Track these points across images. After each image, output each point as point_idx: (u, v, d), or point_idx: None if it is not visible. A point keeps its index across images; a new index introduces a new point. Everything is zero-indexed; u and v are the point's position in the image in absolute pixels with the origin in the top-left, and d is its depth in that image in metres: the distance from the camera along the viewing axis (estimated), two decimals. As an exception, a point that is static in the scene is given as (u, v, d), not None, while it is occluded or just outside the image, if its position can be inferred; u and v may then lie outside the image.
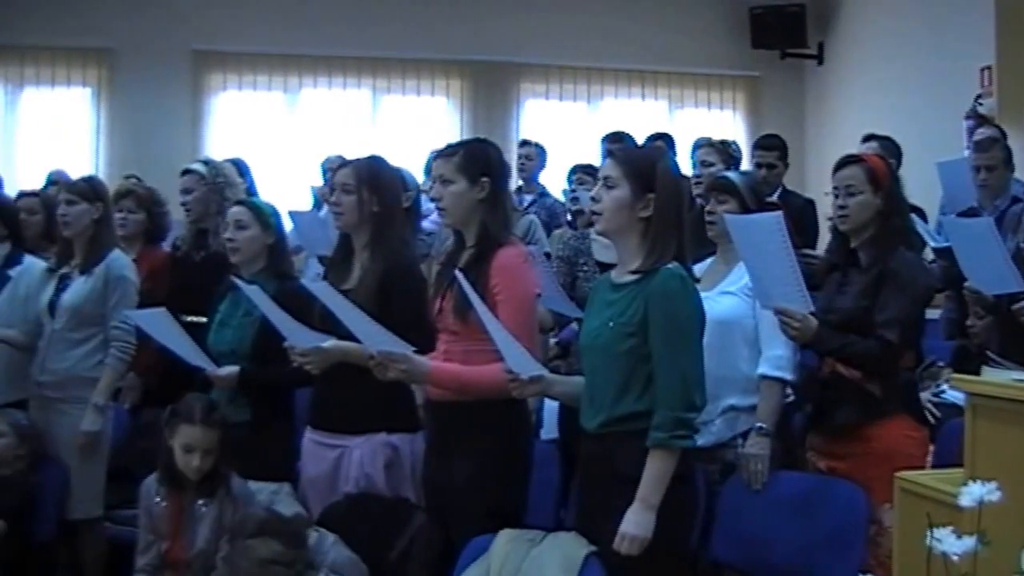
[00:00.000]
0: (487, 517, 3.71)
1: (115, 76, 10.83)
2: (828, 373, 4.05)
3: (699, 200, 5.34)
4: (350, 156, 4.73)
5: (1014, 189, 6.18)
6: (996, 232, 4.49)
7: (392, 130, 11.00)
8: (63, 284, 5.07)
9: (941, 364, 5.28)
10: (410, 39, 10.94)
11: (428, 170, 7.35)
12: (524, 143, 9.21)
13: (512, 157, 9.03)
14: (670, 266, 3.33)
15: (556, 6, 11.11)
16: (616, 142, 6.66)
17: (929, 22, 9.40)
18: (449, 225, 4.06)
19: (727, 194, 4.42)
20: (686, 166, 6.60)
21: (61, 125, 10.81)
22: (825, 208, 4.31)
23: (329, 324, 3.96)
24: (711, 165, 5.91)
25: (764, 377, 4.15)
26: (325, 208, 6.24)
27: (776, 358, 4.13)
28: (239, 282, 4.35)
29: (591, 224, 4.83)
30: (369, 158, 4.40)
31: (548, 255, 5.52)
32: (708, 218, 4.43)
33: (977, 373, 3.28)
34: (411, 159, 7.41)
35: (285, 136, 10.89)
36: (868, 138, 6.99)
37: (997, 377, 3.08)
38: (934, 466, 4.12)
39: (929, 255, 5.86)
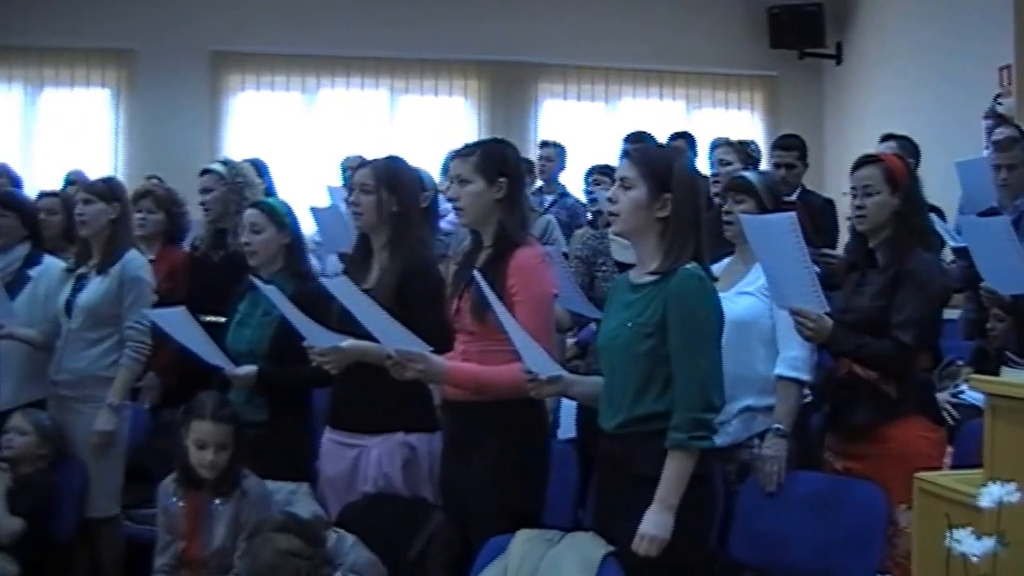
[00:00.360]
0: (505, 517, 3.71)
1: (134, 77, 10.87)
2: (844, 374, 4.04)
3: (717, 200, 5.33)
4: (368, 156, 4.74)
5: (1033, 188, 6.15)
6: (1012, 232, 4.47)
7: (410, 130, 11.02)
8: (80, 284, 5.08)
9: (959, 363, 5.27)
10: (428, 39, 10.95)
11: (446, 170, 7.37)
12: (544, 144, 9.22)
13: (531, 158, 9.05)
14: (688, 266, 3.33)
15: (574, 6, 11.10)
16: (637, 143, 6.66)
17: (948, 21, 9.36)
18: (466, 225, 4.06)
19: (745, 194, 4.42)
20: (704, 166, 6.60)
21: (81, 126, 10.86)
22: (845, 208, 4.29)
23: (347, 324, 3.97)
24: (729, 164, 5.90)
25: (781, 378, 4.15)
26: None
27: (793, 359, 4.13)
28: (258, 282, 4.36)
29: (608, 224, 4.85)
30: (388, 158, 4.41)
31: (566, 255, 5.52)
32: (725, 218, 4.43)
33: (996, 374, 3.27)
34: (429, 159, 7.42)
35: (303, 136, 10.92)
36: (886, 138, 6.97)
37: (1016, 378, 3.07)
38: (953, 467, 4.11)
39: (949, 255, 5.85)
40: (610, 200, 3.49)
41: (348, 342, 4.00)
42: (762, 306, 4.12)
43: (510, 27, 11.05)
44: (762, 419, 4.16)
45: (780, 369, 4.15)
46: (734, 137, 7.08)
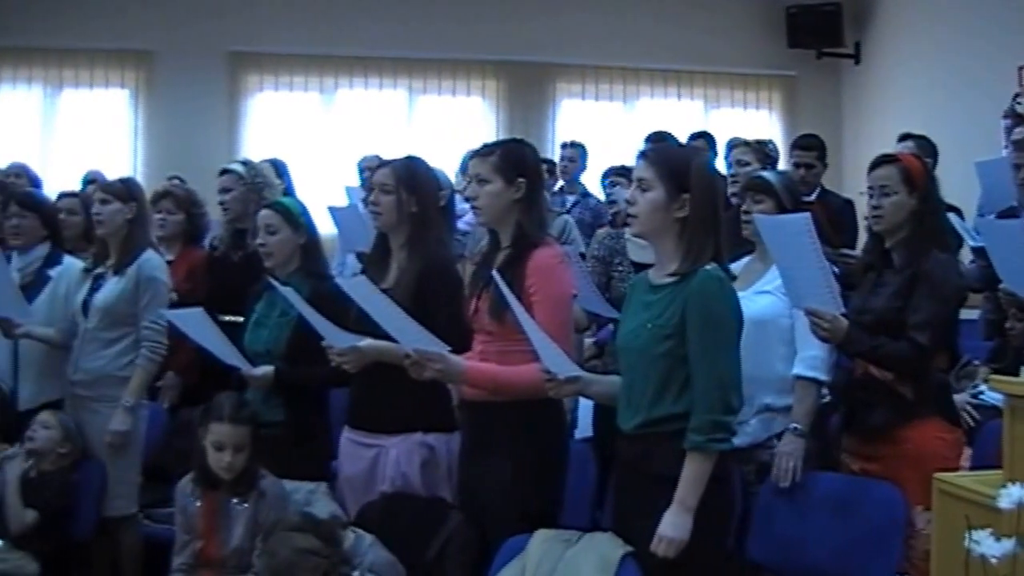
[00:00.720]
0: (523, 517, 3.71)
1: (153, 78, 10.91)
2: (860, 375, 4.03)
3: (735, 200, 5.32)
4: (386, 156, 4.74)
5: (1054, 189, 6.12)
6: (1029, 235, 4.45)
7: (428, 130, 11.03)
8: (97, 284, 5.10)
9: (977, 363, 5.26)
10: (446, 39, 10.96)
11: (464, 170, 7.38)
12: (567, 144, 9.23)
13: (548, 157, 9.06)
14: (708, 268, 3.32)
15: (592, 6, 11.10)
16: (658, 143, 6.65)
17: (967, 21, 9.34)
18: (484, 224, 4.07)
19: (763, 194, 4.42)
20: (723, 166, 6.59)
21: (99, 126, 10.90)
22: (863, 208, 4.28)
23: (365, 324, 3.97)
24: (747, 165, 5.89)
25: (799, 377, 4.15)
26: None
27: (811, 358, 4.12)
28: (275, 283, 4.37)
29: (626, 223, 4.85)
30: (407, 158, 4.41)
31: (583, 255, 5.52)
32: (744, 218, 4.42)
33: (1016, 374, 3.26)
34: (447, 159, 7.42)
35: (321, 136, 10.94)
36: (904, 137, 6.95)
37: (1036, 378, 3.06)
38: (972, 468, 4.11)
39: (968, 255, 5.83)
40: (628, 202, 3.48)
41: (366, 342, 4.00)
42: (781, 305, 4.11)
43: (528, 27, 11.05)
44: (781, 419, 4.16)
45: (798, 369, 4.15)
46: (752, 137, 7.05)
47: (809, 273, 3.71)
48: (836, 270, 3.93)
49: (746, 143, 6.35)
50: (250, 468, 4.25)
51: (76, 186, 7.35)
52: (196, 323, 4.56)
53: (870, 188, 4.05)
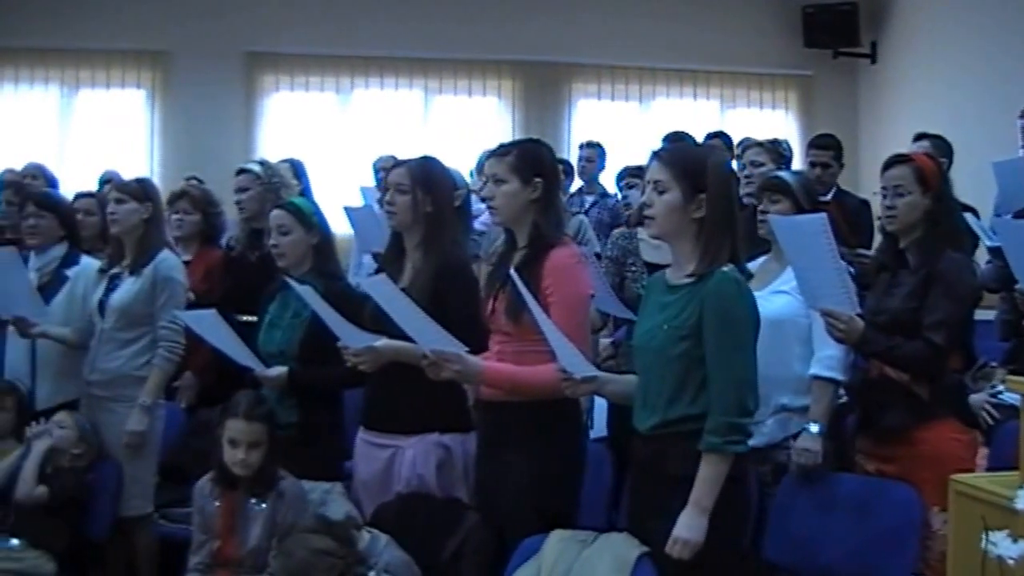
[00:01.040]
0: (540, 517, 3.71)
1: (169, 78, 10.95)
2: (876, 375, 4.02)
3: (751, 200, 5.31)
4: (402, 156, 4.74)
5: (1071, 189, 6.10)
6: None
7: (443, 130, 11.05)
8: (113, 284, 5.10)
9: (993, 365, 5.23)
10: (462, 39, 10.97)
11: (479, 170, 7.38)
12: (585, 145, 9.22)
13: (564, 158, 9.06)
14: (725, 269, 3.31)
15: (608, 6, 11.09)
16: (670, 144, 6.63)
17: (984, 19, 9.31)
18: (500, 224, 4.06)
19: (780, 194, 4.41)
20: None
21: (116, 127, 10.93)
22: (877, 208, 4.27)
23: (380, 324, 3.97)
24: (761, 165, 5.87)
25: (816, 377, 4.14)
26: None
27: (828, 358, 4.12)
28: (292, 282, 4.36)
29: (639, 223, 4.84)
30: (423, 158, 4.40)
31: (598, 256, 5.51)
32: (760, 218, 4.42)
33: (1032, 375, 3.25)
34: (462, 160, 7.43)
35: (337, 137, 10.96)
36: (919, 137, 6.92)
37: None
38: (989, 469, 4.09)
39: (985, 255, 5.81)
40: (645, 204, 3.47)
41: (382, 342, 4.00)
42: (797, 305, 4.10)
43: (544, 27, 11.05)
44: (798, 419, 4.16)
45: (815, 369, 4.15)
46: (768, 137, 7.03)
47: (825, 273, 3.70)
48: (852, 270, 3.92)
49: (759, 143, 6.33)
50: (268, 468, 4.24)
51: (93, 186, 7.36)
52: (209, 324, 4.57)
53: (884, 188, 4.03)
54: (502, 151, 3.97)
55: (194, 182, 7.06)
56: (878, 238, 4.42)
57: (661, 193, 3.38)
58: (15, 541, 4.66)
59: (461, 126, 11.13)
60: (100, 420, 5.04)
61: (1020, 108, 7.88)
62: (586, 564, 3.47)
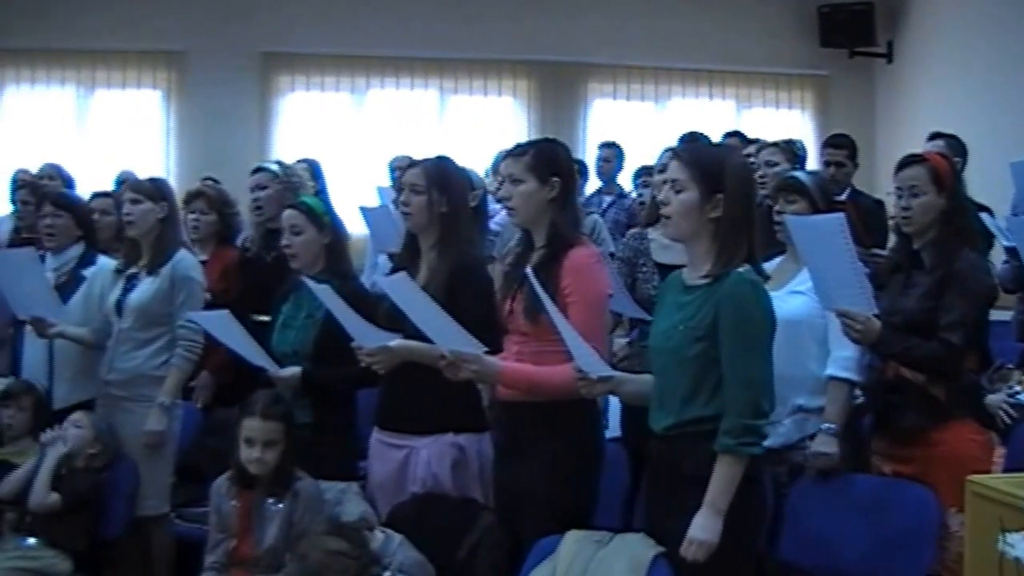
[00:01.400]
0: (558, 517, 3.71)
1: (185, 78, 10.96)
2: (892, 376, 4.01)
3: (766, 201, 5.30)
4: (417, 156, 4.74)
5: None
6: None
7: (459, 130, 11.04)
8: (130, 284, 5.10)
9: (1010, 366, 5.22)
10: (477, 39, 10.96)
11: (495, 170, 7.37)
12: (604, 144, 9.21)
13: (584, 158, 9.06)
14: (741, 270, 3.30)
15: (623, 6, 11.07)
16: (687, 144, 6.62)
17: (1001, 18, 9.27)
18: (518, 225, 4.06)
19: (796, 194, 4.40)
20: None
21: (132, 127, 10.95)
22: (891, 208, 4.26)
23: (396, 323, 3.97)
24: (776, 165, 5.86)
25: (832, 378, 4.13)
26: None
27: (844, 359, 4.11)
28: (309, 281, 4.35)
29: (650, 223, 4.83)
30: (438, 158, 4.40)
31: (612, 255, 5.51)
32: (776, 219, 4.40)
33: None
34: (478, 160, 7.42)
35: (352, 137, 10.95)
36: (934, 136, 6.90)
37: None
38: (1006, 469, 4.08)
39: (1002, 255, 5.79)
40: (661, 203, 3.46)
41: (397, 342, 4.00)
42: (814, 305, 4.08)
43: (559, 27, 11.04)
44: (814, 420, 4.15)
45: (831, 369, 4.14)
46: (783, 138, 7.02)
47: (842, 274, 3.69)
48: (867, 270, 3.91)
49: (775, 144, 6.33)
50: (286, 468, 4.25)
51: (109, 186, 7.37)
52: (222, 325, 4.58)
53: (898, 189, 4.02)
54: (519, 151, 3.97)
55: (210, 182, 7.08)
56: (892, 238, 4.41)
57: (678, 192, 3.38)
58: (32, 540, 4.68)
59: (476, 126, 11.10)
60: (117, 420, 5.05)
61: (1038, 108, 7.88)
62: (602, 564, 3.47)
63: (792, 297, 4.19)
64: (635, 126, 11.01)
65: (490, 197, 6.23)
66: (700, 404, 3.31)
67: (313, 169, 7.02)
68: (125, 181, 7.25)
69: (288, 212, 4.79)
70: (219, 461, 4.54)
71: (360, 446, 4.55)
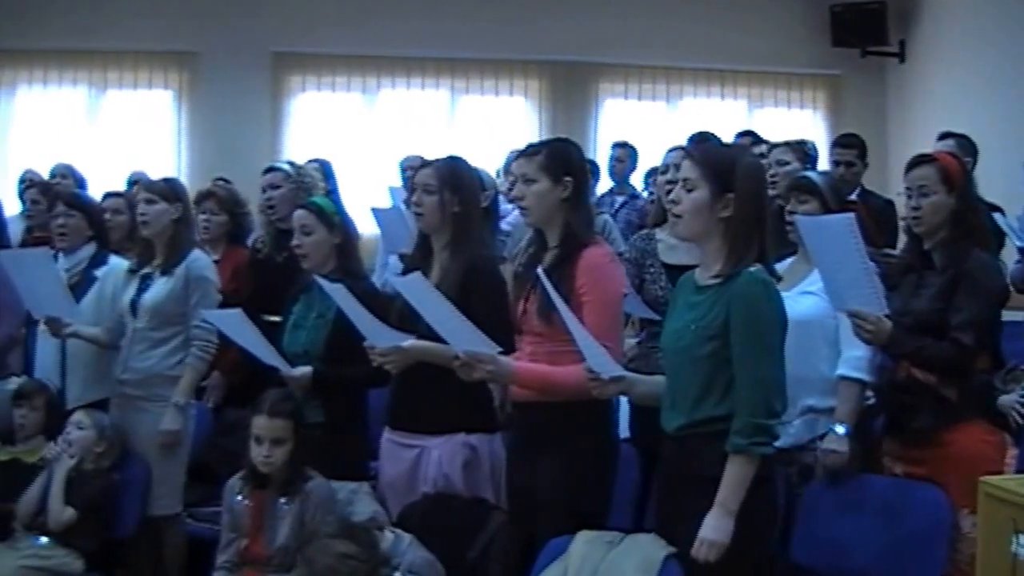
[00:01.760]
0: (573, 518, 3.71)
1: (196, 79, 10.97)
2: (904, 377, 3.99)
3: (777, 201, 5.29)
4: (428, 157, 4.74)
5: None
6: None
7: (470, 130, 11.03)
8: (144, 284, 5.11)
9: (1023, 368, 5.20)
10: (488, 39, 10.96)
11: (507, 170, 7.37)
12: (617, 145, 9.20)
13: (595, 158, 9.05)
14: (752, 269, 3.30)
15: (635, 6, 11.05)
16: (699, 144, 6.62)
17: (1014, 17, 9.22)
18: (531, 224, 4.05)
19: (808, 194, 4.40)
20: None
21: (144, 127, 10.96)
22: (901, 208, 4.24)
23: (408, 323, 3.97)
24: (787, 164, 5.85)
25: (843, 378, 4.12)
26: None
27: (855, 359, 4.11)
28: (321, 280, 4.35)
29: (658, 224, 4.83)
30: (450, 158, 4.40)
31: (620, 255, 5.51)
32: (788, 218, 4.40)
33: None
34: (489, 160, 7.42)
35: (364, 137, 10.94)
36: (944, 136, 6.88)
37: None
38: (1019, 470, 4.08)
39: (1014, 255, 5.77)
40: (672, 202, 3.46)
41: (410, 342, 4.00)
42: (825, 306, 4.07)
43: (571, 27, 11.03)
44: (824, 420, 4.15)
45: (842, 369, 4.14)
46: (794, 138, 7.01)
47: (852, 274, 3.68)
48: (878, 269, 3.90)
49: (786, 143, 6.32)
50: (297, 468, 4.26)
51: (120, 187, 7.40)
52: (234, 324, 4.58)
53: (908, 189, 4.00)
54: (532, 150, 3.97)
55: (221, 182, 7.09)
56: (902, 238, 4.39)
57: (689, 191, 3.38)
58: (44, 539, 4.70)
59: (488, 126, 11.09)
60: (132, 419, 5.06)
61: (1051, 107, 7.85)
62: (612, 565, 3.47)
63: (803, 297, 4.18)
64: (646, 126, 10.97)
65: (501, 197, 6.22)
66: (712, 404, 3.31)
67: (324, 169, 7.04)
68: (137, 181, 7.29)
69: (299, 212, 4.80)
70: (230, 461, 4.55)
71: (372, 446, 4.55)
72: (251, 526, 4.26)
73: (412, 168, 5.94)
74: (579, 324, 3.48)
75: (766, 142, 6.79)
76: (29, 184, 7.35)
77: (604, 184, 9.05)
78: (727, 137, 7.03)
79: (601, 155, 9.56)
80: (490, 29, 10.94)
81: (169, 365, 5.06)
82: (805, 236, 3.97)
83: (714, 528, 3.21)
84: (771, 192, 5.36)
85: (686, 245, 3.96)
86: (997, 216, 5.28)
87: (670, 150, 5.15)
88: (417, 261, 4.33)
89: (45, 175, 7.62)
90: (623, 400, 4.28)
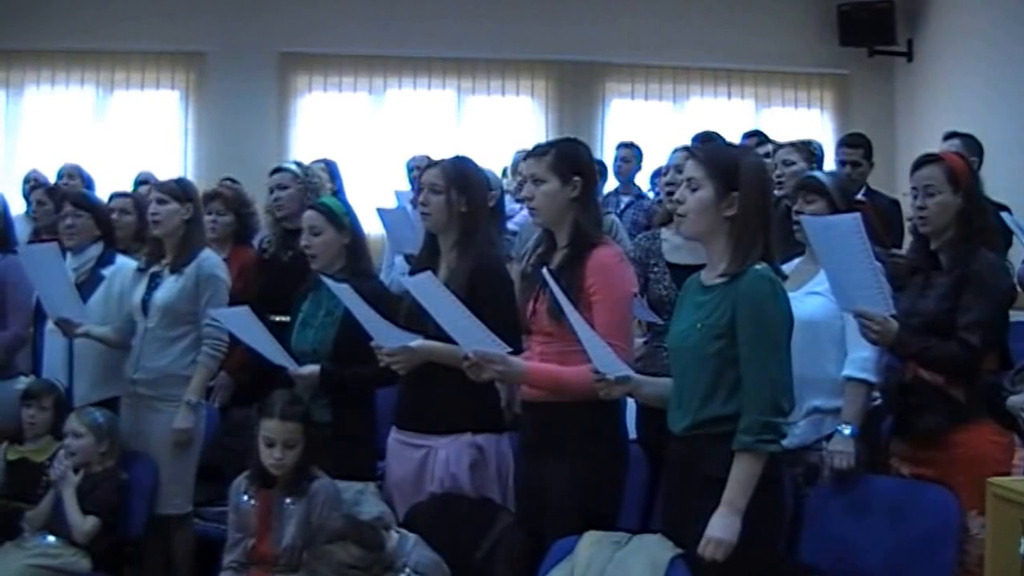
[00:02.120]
0: (583, 518, 3.70)
1: (203, 79, 10.97)
2: (911, 378, 3.99)
3: (784, 201, 5.28)
4: (435, 156, 4.73)
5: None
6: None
7: (477, 130, 11.03)
8: (154, 283, 5.12)
9: (1031, 369, 5.18)
10: (495, 39, 10.95)
11: (514, 170, 7.37)
12: (623, 145, 9.19)
13: (602, 158, 9.04)
14: (758, 267, 3.29)
15: (641, 5, 11.05)
16: (706, 142, 6.61)
17: (1021, 17, 9.21)
18: (540, 225, 4.04)
19: (816, 194, 4.39)
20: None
21: (151, 127, 10.98)
22: (907, 208, 4.24)
23: (416, 322, 3.97)
24: (793, 164, 5.84)
25: (849, 379, 4.12)
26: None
27: (862, 360, 4.10)
28: (328, 280, 4.35)
29: (664, 224, 4.82)
30: (456, 158, 4.40)
31: (626, 254, 5.50)
32: (795, 219, 4.39)
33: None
34: (496, 159, 7.41)
35: (370, 137, 10.95)
36: (950, 136, 6.87)
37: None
38: (1027, 471, 4.06)
39: (1022, 254, 5.76)
40: (677, 201, 3.46)
41: (418, 342, 4.00)
42: (832, 306, 4.07)
43: (577, 27, 11.02)
44: (831, 421, 4.14)
45: (848, 370, 4.13)
46: (804, 137, 7.01)
47: (859, 274, 3.68)
48: (886, 270, 3.89)
49: (792, 143, 6.31)
50: (304, 467, 4.26)
51: (128, 187, 7.41)
52: (243, 321, 4.59)
53: (914, 188, 4.00)
54: (540, 151, 3.96)
55: (228, 183, 7.10)
56: (908, 238, 4.39)
57: (694, 190, 3.38)
58: (51, 538, 4.71)
59: (494, 126, 11.10)
60: (144, 419, 5.07)
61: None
62: (619, 566, 3.46)
63: (810, 298, 4.17)
64: (653, 126, 10.97)
65: (508, 197, 6.22)
66: (719, 403, 3.30)
67: (330, 169, 7.05)
68: (144, 181, 7.32)
69: (308, 213, 4.81)
70: (237, 460, 4.55)
71: (380, 446, 4.55)
72: (258, 526, 4.26)
73: (419, 168, 5.94)
74: (585, 324, 3.47)
75: (773, 142, 6.78)
76: (34, 185, 7.36)
77: (610, 184, 9.03)
78: (734, 137, 7.04)
79: (608, 155, 9.54)
80: (497, 29, 10.93)
81: (183, 365, 5.07)
82: (811, 236, 3.97)
83: (721, 527, 3.21)
84: (778, 192, 5.36)
85: (690, 245, 3.95)
86: (1005, 215, 5.27)
87: (674, 151, 5.14)
88: (424, 261, 4.32)
89: (53, 175, 7.64)
90: (630, 401, 4.27)
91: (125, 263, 5.40)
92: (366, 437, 4.64)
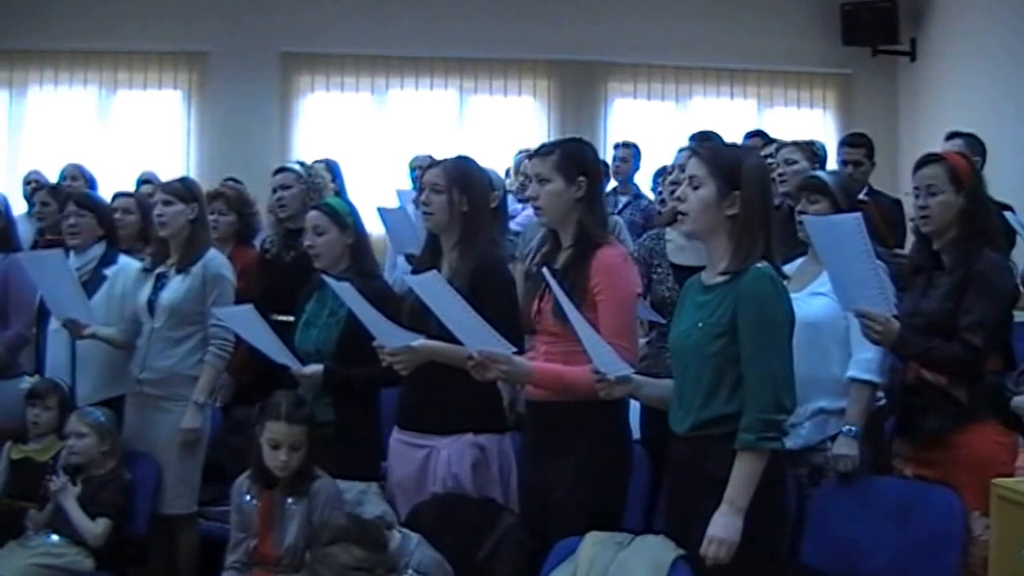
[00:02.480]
0: (587, 518, 3.71)
1: (206, 79, 10.98)
2: (914, 379, 3.97)
3: (787, 200, 5.28)
4: (437, 156, 4.73)
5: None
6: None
7: (479, 130, 11.03)
8: (160, 283, 5.12)
9: (1036, 370, 5.18)
10: (497, 39, 10.95)
11: (516, 170, 7.36)
12: (620, 145, 9.18)
13: (604, 158, 9.02)
14: (759, 266, 3.29)
15: (644, 5, 11.05)
16: (704, 142, 6.61)
17: (1025, 17, 9.22)
18: (545, 224, 4.04)
19: (819, 194, 4.39)
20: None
21: (153, 127, 10.99)
22: (909, 208, 4.23)
23: (419, 322, 3.97)
24: (795, 163, 5.84)
25: (853, 380, 4.11)
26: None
27: (866, 360, 4.10)
28: (329, 280, 4.35)
29: (668, 223, 4.82)
30: (458, 158, 4.40)
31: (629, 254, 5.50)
32: (798, 218, 4.39)
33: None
34: (498, 159, 7.41)
35: (373, 137, 10.96)
36: (952, 135, 6.87)
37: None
38: (1031, 472, 4.05)
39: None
40: (679, 199, 3.46)
41: (420, 342, 3.99)
42: (836, 307, 4.06)
43: (580, 26, 11.02)
44: (835, 422, 4.14)
45: (852, 371, 4.13)
46: (806, 136, 7.00)
47: (861, 274, 3.67)
48: (889, 270, 3.88)
49: (795, 143, 6.31)
50: (306, 467, 4.26)
51: (130, 186, 7.41)
52: (246, 320, 4.58)
53: (916, 188, 4.00)
54: (545, 150, 3.96)
55: (230, 183, 7.10)
56: (911, 238, 4.38)
57: (696, 189, 3.38)
58: (55, 537, 4.71)
59: (497, 126, 11.11)
60: (150, 419, 5.07)
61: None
62: (622, 566, 3.47)
63: (813, 299, 4.17)
64: (656, 126, 10.98)
65: (510, 197, 6.21)
66: (720, 402, 3.30)
67: (332, 169, 7.04)
68: (147, 181, 7.32)
69: (312, 213, 4.81)
70: (239, 460, 4.55)
71: (383, 446, 4.55)
72: (260, 526, 4.26)
73: (422, 167, 5.94)
74: (585, 324, 3.47)
75: (776, 141, 6.78)
76: (35, 186, 7.36)
77: (612, 183, 9.03)
78: (737, 137, 7.05)
79: (610, 155, 9.53)
80: (499, 29, 10.94)
81: (189, 364, 5.08)
82: (813, 236, 3.96)
83: (723, 526, 3.21)
84: (780, 191, 5.36)
85: (695, 245, 3.95)
86: (1008, 215, 5.27)
87: (680, 150, 5.14)
88: (426, 261, 4.32)
89: (56, 175, 7.64)
90: (635, 401, 4.28)
91: (128, 263, 5.41)
92: (370, 437, 4.64)
